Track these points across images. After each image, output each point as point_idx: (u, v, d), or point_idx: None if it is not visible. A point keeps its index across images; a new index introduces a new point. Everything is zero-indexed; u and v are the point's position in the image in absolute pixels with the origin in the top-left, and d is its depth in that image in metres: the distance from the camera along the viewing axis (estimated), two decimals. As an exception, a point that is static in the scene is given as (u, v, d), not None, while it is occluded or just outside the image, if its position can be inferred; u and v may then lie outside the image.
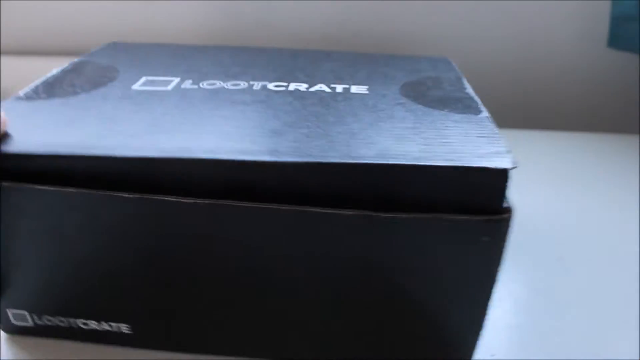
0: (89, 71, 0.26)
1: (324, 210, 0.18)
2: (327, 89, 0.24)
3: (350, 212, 0.18)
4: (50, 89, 0.23)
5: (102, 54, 0.29)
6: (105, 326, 0.22)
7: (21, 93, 0.23)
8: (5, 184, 0.18)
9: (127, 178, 0.18)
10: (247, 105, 0.22)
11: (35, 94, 0.23)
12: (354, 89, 0.24)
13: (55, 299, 0.22)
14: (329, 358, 0.22)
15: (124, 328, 0.22)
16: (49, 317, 0.22)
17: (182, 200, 0.18)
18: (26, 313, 0.22)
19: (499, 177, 0.17)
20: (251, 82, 0.25)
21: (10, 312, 0.22)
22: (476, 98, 0.23)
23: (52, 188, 0.18)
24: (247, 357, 0.22)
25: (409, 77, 0.26)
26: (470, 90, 0.25)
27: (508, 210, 0.17)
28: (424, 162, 0.17)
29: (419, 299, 0.20)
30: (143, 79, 0.25)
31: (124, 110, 0.22)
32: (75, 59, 0.27)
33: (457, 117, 0.21)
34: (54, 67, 0.25)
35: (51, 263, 0.20)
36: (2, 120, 0.19)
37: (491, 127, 0.20)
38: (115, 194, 0.18)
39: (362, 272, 0.19)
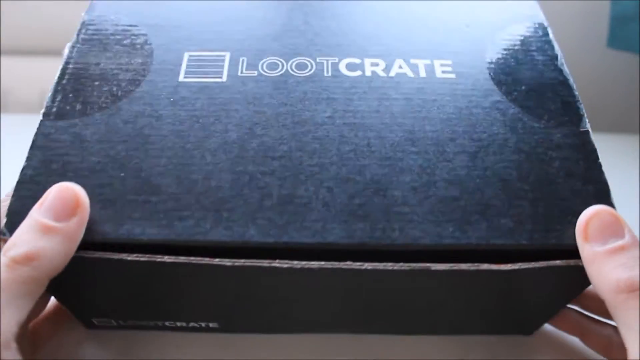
0: (111, 53, 0.20)
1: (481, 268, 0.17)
2: (410, 73, 0.20)
3: (510, 267, 0.17)
4: (79, 96, 0.19)
5: (99, 10, 0.23)
6: (193, 325, 0.21)
7: (46, 108, 0.19)
8: None
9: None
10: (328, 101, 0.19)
11: (67, 107, 0.19)
12: (438, 68, 0.20)
13: (143, 309, 0.21)
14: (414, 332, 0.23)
15: (213, 325, 0.22)
16: (136, 322, 0.21)
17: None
18: (112, 320, 0.21)
19: None
20: (318, 60, 0.20)
21: (95, 320, 0.21)
22: (571, 82, 0.22)
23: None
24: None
25: (496, 43, 0.22)
26: (564, 67, 0.22)
27: None
28: (538, 244, 0.18)
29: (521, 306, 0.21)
30: (186, 57, 0.20)
31: (192, 136, 0.18)
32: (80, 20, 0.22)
33: (558, 136, 0.20)
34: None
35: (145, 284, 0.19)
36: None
37: (594, 155, 0.19)
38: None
39: (490, 300, 0.20)
